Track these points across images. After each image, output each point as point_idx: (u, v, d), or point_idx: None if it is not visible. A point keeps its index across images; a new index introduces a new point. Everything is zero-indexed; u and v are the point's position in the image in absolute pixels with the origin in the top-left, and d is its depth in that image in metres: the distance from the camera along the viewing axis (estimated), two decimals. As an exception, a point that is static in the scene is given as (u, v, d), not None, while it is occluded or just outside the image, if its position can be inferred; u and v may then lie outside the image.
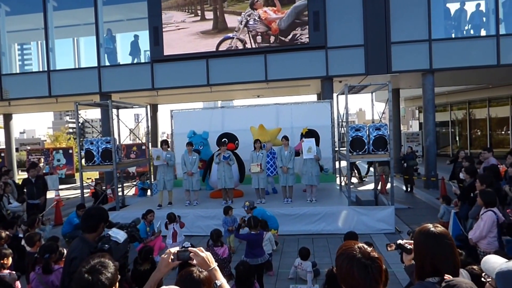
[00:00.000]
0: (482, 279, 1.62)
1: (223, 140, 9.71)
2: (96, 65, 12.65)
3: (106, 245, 2.63)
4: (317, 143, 9.05)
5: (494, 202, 4.33)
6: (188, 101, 17.41)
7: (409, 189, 11.92)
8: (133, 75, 12.52)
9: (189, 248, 1.76)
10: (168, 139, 10.24)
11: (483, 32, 11.55)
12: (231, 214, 6.56)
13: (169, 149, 8.65)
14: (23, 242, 5.05)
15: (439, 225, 1.83)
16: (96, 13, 12.46)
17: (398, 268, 4.75)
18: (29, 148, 21.08)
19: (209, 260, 1.71)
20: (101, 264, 1.66)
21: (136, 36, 13.11)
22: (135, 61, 13.22)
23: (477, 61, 10.84)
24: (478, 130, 19.76)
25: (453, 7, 11.85)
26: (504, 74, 12.84)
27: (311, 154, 7.75)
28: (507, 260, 1.44)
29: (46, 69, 13.04)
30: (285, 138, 8.24)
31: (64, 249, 4.11)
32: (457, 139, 21.32)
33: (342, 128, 9.43)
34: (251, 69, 11.73)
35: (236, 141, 10.34)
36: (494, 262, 1.51)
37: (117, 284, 1.71)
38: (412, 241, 1.94)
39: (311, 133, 9.67)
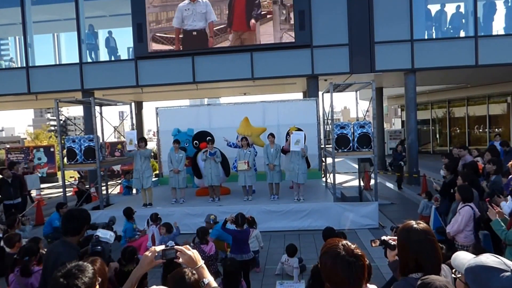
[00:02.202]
0: (453, 275, 1.66)
1: (208, 138, 9.60)
2: (77, 61, 12.34)
3: (99, 247, 2.59)
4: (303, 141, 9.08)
5: (471, 198, 4.49)
6: (173, 99, 17.24)
7: (399, 186, 11.85)
8: (116, 72, 12.26)
9: (176, 247, 1.74)
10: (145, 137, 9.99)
11: (462, 33, 11.88)
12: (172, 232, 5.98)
13: (146, 147, 8.33)
14: (2, 243, 4.91)
15: (422, 222, 1.87)
16: (77, 8, 12.12)
17: (381, 262, 4.86)
18: (8, 146, 20.41)
19: (196, 258, 1.70)
20: (77, 268, 1.61)
21: None
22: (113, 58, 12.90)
23: (456, 61, 11.14)
24: (457, 128, 20.37)
25: (434, 8, 12.12)
26: (482, 74, 13.26)
27: (299, 146, 7.64)
28: (475, 256, 1.49)
29: (24, 65, 12.63)
30: (271, 135, 8.25)
31: (45, 250, 4.01)
32: (437, 136, 21.91)
33: (328, 126, 9.53)
34: (238, 67, 11.69)
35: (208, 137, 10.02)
36: (463, 259, 1.54)
37: (97, 286, 1.67)
38: (396, 238, 1.98)
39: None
